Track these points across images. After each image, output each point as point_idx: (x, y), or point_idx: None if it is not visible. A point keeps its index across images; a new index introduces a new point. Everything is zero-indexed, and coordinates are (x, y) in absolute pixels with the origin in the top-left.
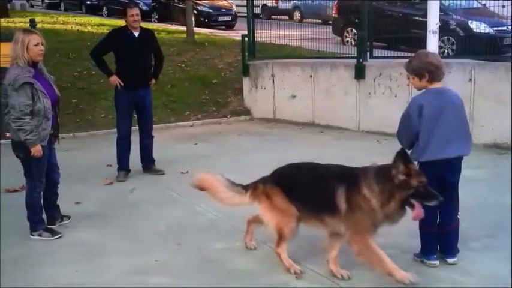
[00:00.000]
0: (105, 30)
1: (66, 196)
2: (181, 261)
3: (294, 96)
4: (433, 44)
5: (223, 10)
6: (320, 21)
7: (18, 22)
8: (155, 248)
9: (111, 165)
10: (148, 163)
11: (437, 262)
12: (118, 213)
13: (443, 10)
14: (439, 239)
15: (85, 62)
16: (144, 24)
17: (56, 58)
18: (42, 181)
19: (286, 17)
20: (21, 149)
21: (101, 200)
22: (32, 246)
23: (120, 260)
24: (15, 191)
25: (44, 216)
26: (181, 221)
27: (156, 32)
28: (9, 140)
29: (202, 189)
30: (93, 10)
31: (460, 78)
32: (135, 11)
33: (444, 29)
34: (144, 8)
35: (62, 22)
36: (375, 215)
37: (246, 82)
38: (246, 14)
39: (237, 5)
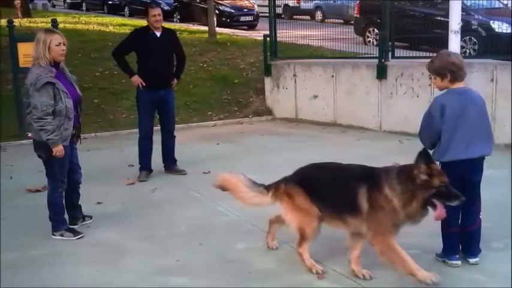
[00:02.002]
0: (127, 30)
1: (88, 196)
2: (202, 261)
3: (315, 96)
4: (455, 44)
5: (245, 10)
6: (342, 21)
7: (40, 22)
8: (176, 248)
9: (132, 165)
10: (170, 163)
11: (459, 262)
12: (140, 213)
13: (465, 10)
14: (461, 239)
15: (107, 62)
16: (166, 24)
17: (77, 58)
18: (64, 181)
19: (308, 17)
20: (43, 149)
21: (122, 200)
22: (54, 246)
23: (142, 260)
24: (37, 191)
25: (66, 216)
26: (202, 221)
27: (178, 32)
28: (31, 140)
29: (224, 189)
30: (115, 10)
31: (482, 78)
32: (157, 11)
33: (466, 29)
34: (166, 8)
35: (83, 22)
36: (396, 215)
37: (268, 82)
38: (267, 14)
39: (258, 5)
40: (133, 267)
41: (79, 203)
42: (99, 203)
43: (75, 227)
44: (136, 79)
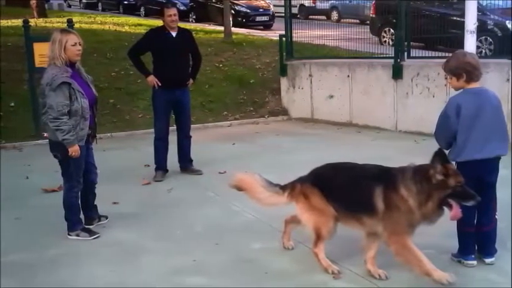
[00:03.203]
0: (142, 30)
1: (103, 196)
2: (218, 261)
3: (331, 96)
4: (470, 44)
5: (261, 10)
6: (358, 21)
7: (56, 22)
8: (193, 248)
9: (148, 165)
10: (186, 163)
11: (475, 262)
12: (156, 213)
13: (481, 10)
14: (477, 239)
15: (123, 62)
16: (182, 24)
17: (93, 58)
18: (79, 181)
19: (323, 17)
20: (59, 149)
21: (138, 200)
22: (69, 246)
23: (158, 260)
24: (53, 191)
25: (82, 216)
26: (218, 221)
27: (193, 32)
28: (47, 140)
29: (239, 189)
30: (131, 10)
31: (497, 78)
32: (173, 11)
33: (482, 29)
34: (182, 8)
35: (99, 22)
36: (412, 215)
37: (284, 82)
38: (283, 14)
39: (274, 5)
40: (149, 267)
41: (95, 203)
42: (115, 203)
43: (90, 227)
44: (152, 79)
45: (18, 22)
